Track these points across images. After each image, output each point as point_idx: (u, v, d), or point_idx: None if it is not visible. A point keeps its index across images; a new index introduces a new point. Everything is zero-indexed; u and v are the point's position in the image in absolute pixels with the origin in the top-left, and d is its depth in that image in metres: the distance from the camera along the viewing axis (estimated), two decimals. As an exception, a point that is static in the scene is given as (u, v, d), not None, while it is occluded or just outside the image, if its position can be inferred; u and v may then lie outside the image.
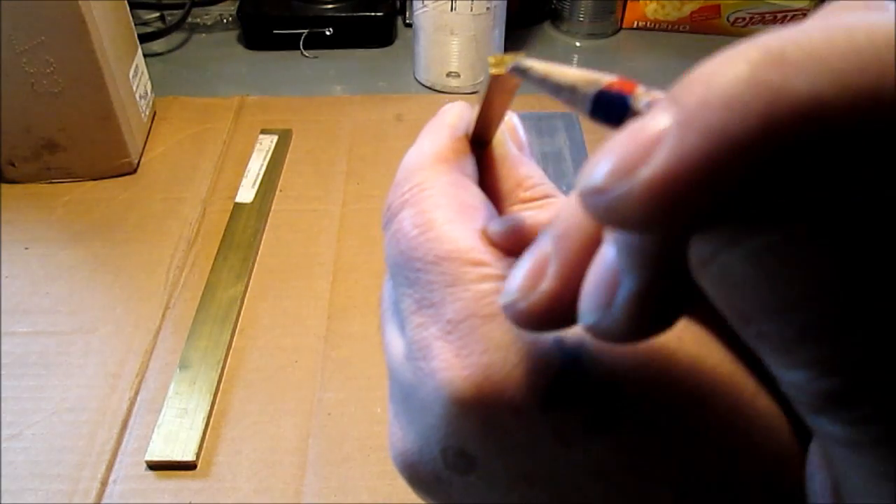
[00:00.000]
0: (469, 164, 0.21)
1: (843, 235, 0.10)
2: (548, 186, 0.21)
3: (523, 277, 0.15)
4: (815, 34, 0.10)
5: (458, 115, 0.22)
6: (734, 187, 0.10)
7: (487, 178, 0.22)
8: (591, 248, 0.14)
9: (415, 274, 0.18)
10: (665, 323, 0.14)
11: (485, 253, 0.18)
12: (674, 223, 0.11)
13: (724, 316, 0.12)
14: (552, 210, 0.20)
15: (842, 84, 0.09)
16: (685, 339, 0.17)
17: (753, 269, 0.11)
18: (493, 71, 0.17)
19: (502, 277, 0.17)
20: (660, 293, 0.13)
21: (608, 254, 0.13)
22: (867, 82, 0.09)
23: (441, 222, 0.19)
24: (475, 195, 0.20)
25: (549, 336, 0.17)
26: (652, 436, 0.16)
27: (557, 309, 0.15)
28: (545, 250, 0.15)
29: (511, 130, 0.23)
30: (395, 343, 0.20)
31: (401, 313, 0.19)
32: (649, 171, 0.11)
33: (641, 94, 0.13)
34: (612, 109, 0.14)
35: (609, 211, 0.11)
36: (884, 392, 0.11)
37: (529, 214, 0.19)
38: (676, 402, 0.16)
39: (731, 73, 0.10)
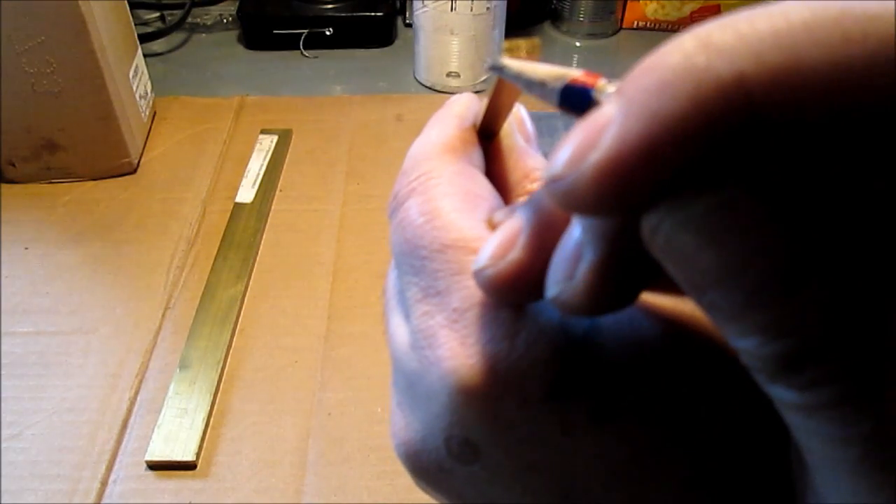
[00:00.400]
0: (476, 155, 0.21)
1: (776, 200, 0.11)
2: None
3: (494, 247, 0.16)
4: (740, 18, 0.11)
5: (465, 106, 0.22)
6: (673, 164, 0.11)
7: (494, 169, 0.22)
8: (560, 224, 0.15)
9: (420, 262, 0.18)
10: (624, 298, 0.15)
11: None
12: (622, 202, 0.12)
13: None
14: None
15: (761, 62, 0.10)
16: (694, 326, 0.17)
17: (695, 237, 0.12)
18: (506, 56, 0.17)
19: None
20: (617, 267, 0.14)
21: (574, 231, 0.15)
22: (784, 59, 0.10)
23: (448, 211, 0.19)
24: (482, 185, 0.20)
25: (556, 324, 0.17)
26: (657, 426, 0.16)
27: (523, 279, 0.16)
28: (518, 224, 0.16)
29: (519, 122, 0.23)
30: (400, 332, 0.20)
31: (406, 301, 0.19)
32: (596, 155, 0.12)
33: (603, 86, 0.15)
34: (578, 101, 0.15)
35: (566, 196, 0.12)
36: (832, 353, 0.11)
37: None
38: (683, 392, 0.16)
39: (667, 60, 0.11)
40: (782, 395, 0.12)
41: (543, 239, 0.16)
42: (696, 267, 0.12)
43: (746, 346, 0.12)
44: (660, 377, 0.16)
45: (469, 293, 0.17)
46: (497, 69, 0.17)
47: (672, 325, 0.17)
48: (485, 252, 0.16)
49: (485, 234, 0.18)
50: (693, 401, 0.16)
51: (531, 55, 0.17)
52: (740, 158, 0.11)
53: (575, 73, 0.15)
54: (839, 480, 0.12)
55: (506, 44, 0.17)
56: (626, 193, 0.12)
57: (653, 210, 0.12)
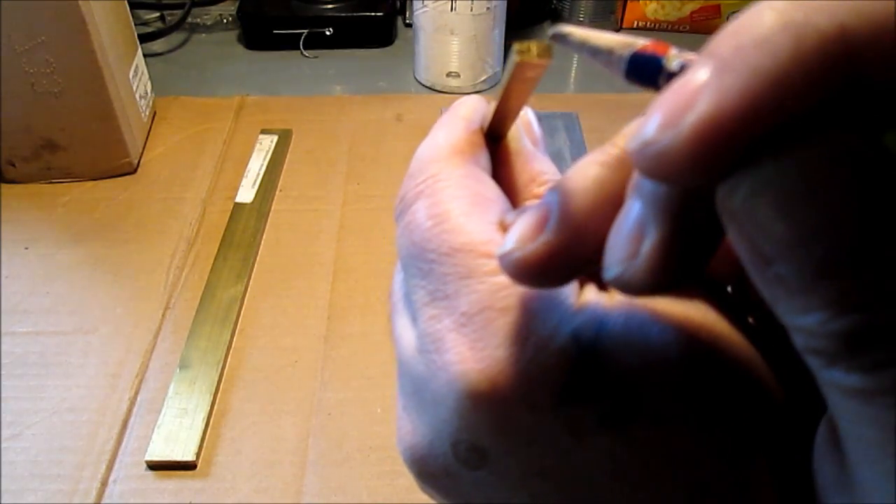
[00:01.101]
0: (484, 158, 0.21)
1: (865, 164, 0.11)
2: None
3: (522, 229, 0.16)
4: None
5: (473, 109, 0.22)
6: (773, 121, 0.11)
7: (502, 173, 0.22)
8: (591, 209, 0.15)
9: (428, 265, 0.18)
10: (689, 274, 0.14)
11: (499, 244, 0.18)
12: (719, 163, 0.12)
13: (743, 266, 0.12)
14: None
15: (861, 14, 0.10)
16: (704, 331, 0.17)
17: (775, 201, 0.11)
18: (519, 59, 0.17)
19: None
20: (683, 243, 0.14)
21: (633, 209, 0.14)
22: (884, 11, 0.10)
23: (456, 214, 0.18)
24: (490, 188, 0.20)
25: (566, 329, 0.17)
26: (666, 432, 0.16)
27: (554, 261, 0.15)
28: (546, 209, 0.16)
29: (526, 125, 0.23)
30: (407, 335, 0.20)
31: (413, 305, 0.19)
32: (694, 116, 0.11)
33: (674, 56, 0.14)
34: (646, 70, 0.15)
35: (660, 160, 0.12)
36: None
37: None
38: (693, 397, 0.16)
39: (760, 20, 0.11)
40: (842, 378, 0.11)
41: (575, 222, 0.15)
42: (770, 233, 0.11)
43: (810, 323, 0.11)
44: (670, 383, 0.16)
45: (478, 297, 0.17)
46: (561, 37, 0.17)
47: (682, 332, 0.17)
48: (512, 235, 0.16)
49: (494, 238, 0.18)
50: (703, 407, 0.16)
51: (543, 58, 0.17)
52: (838, 115, 0.11)
53: (643, 42, 0.15)
54: (890, 475, 0.11)
55: (516, 45, 0.17)
56: (724, 154, 0.11)
57: (735, 172, 0.12)
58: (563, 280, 0.16)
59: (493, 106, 0.21)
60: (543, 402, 0.16)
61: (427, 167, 0.20)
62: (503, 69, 0.80)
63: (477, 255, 0.18)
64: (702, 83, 0.11)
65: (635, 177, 0.15)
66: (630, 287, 0.14)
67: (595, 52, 0.16)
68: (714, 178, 0.12)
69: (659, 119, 0.12)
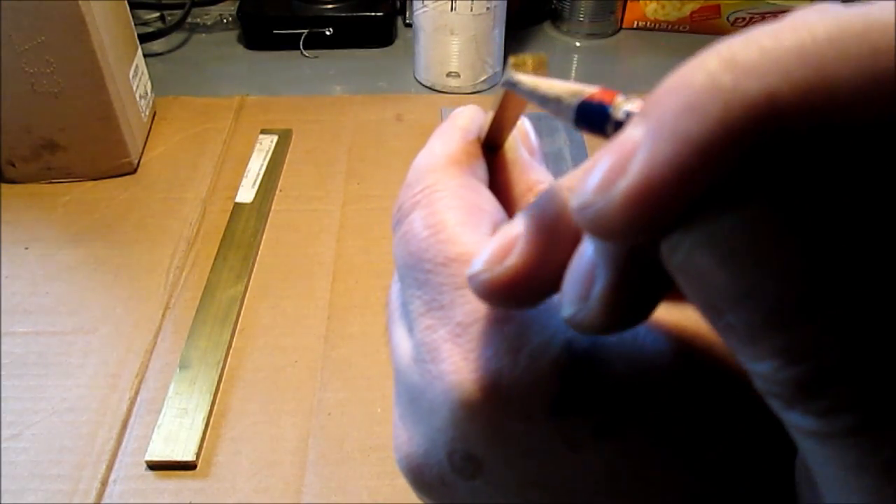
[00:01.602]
0: (480, 168, 0.21)
1: (799, 219, 0.11)
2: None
3: (490, 252, 0.16)
4: (764, 35, 0.11)
5: (469, 119, 0.22)
6: (702, 186, 0.11)
7: (498, 183, 0.22)
8: (560, 231, 0.16)
9: (424, 275, 0.18)
10: (639, 316, 0.15)
11: None
12: (651, 226, 0.12)
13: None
14: None
15: (790, 80, 0.10)
16: (698, 340, 0.17)
17: (715, 256, 0.12)
18: (514, 72, 0.17)
19: None
20: (632, 287, 0.14)
21: (587, 250, 0.14)
22: (813, 76, 0.10)
23: (452, 224, 0.18)
24: (487, 198, 0.20)
25: (560, 339, 0.17)
26: (662, 442, 0.16)
27: (519, 284, 0.16)
28: (516, 230, 0.16)
29: (523, 135, 0.23)
30: (403, 345, 0.20)
31: (409, 315, 0.19)
32: (626, 181, 0.12)
33: (621, 103, 0.14)
34: (594, 119, 0.15)
35: (595, 223, 0.12)
36: (851, 379, 0.11)
37: None
38: (688, 407, 0.16)
39: (692, 81, 0.11)
40: (798, 421, 0.12)
41: (542, 245, 0.16)
42: (715, 287, 0.12)
43: (763, 370, 0.12)
44: (664, 392, 0.16)
45: (473, 307, 0.17)
46: (511, 85, 0.17)
47: (676, 340, 0.17)
48: (481, 257, 0.16)
49: None
50: (698, 416, 0.16)
51: (538, 70, 0.17)
52: (768, 177, 0.11)
53: (591, 90, 0.15)
54: None
55: (512, 59, 0.17)
56: (656, 218, 0.12)
57: (674, 230, 0.12)
58: (529, 303, 0.16)
59: (489, 116, 0.21)
60: (538, 413, 0.16)
61: (424, 177, 0.20)
62: (503, 70, 0.80)
63: None
64: (634, 145, 0.12)
65: None
66: (583, 328, 0.15)
67: (544, 100, 0.16)
68: (654, 237, 0.12)
69: (596, 180, 0.12)
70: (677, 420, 0.16)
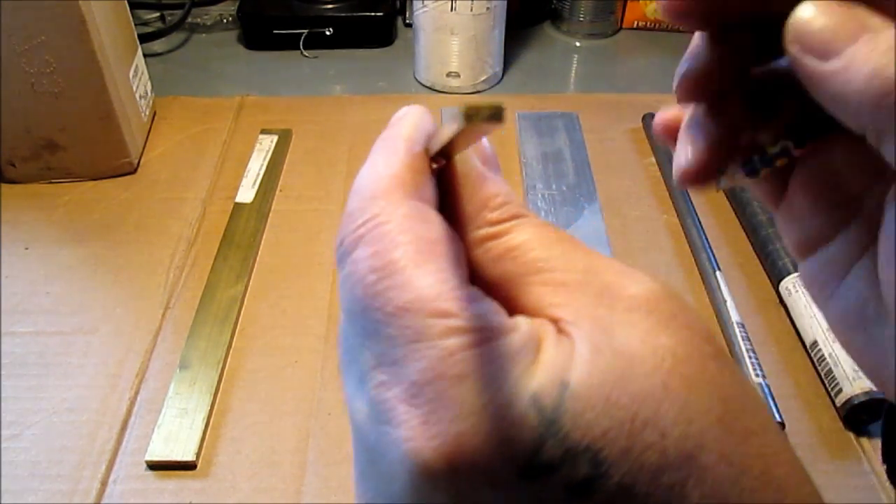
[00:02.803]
0: (428, 187, 0.20)
1: None
2: (515, 205, 0.19)
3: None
4: None
5: (414, 126, 0.21)
6: None
7: (450, 199, 0.20)
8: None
9: (374, 325, 0.17)
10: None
11: (450, 300, 0.16)
12: None
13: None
14: (521, 232, 0.19)
15: None
16: (672, 386, 0.16)
17: None
18: (466, 123, 0.15)
19: (470, 329, 0.16)
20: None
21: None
22: None
23: (402, 266, 0.17)
24: (436, 227, 0.18)
25: (525, 394, 0.16)
26: (634, 498, 0.15)
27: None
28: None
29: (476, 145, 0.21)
30: (357, 399, 0.18)
31: (359, 365, 0.18)
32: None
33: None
34: None
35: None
36: None
37: (498, 244, 0.19)
38: (660, 460, 0.16)
39: None
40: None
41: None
42: None
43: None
44: (636, 446, 0.15)
45: (428, 364, 0.16)
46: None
47: (649, 395, 0.16)
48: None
49: (443, 291, 0.17)
50: (671, 468, 0.16)
51: (490, 122, 0.15)
52: None
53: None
54: None
55: (465, 107, 0.15)
56: None
57: None
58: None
59: (444, 133, 0.19)
60: (506, 478, 0.15)
61: (367, 206, 0.18)
62: (502, 71, 0.80)
63: (426, 315, 0.16)
64: None
65: None
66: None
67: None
68: None
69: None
70: (651, 474, 0.15)
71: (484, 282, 0.19)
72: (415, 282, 0.17)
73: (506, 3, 0.74)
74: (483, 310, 0.17)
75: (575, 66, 0.84)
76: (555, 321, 0.17)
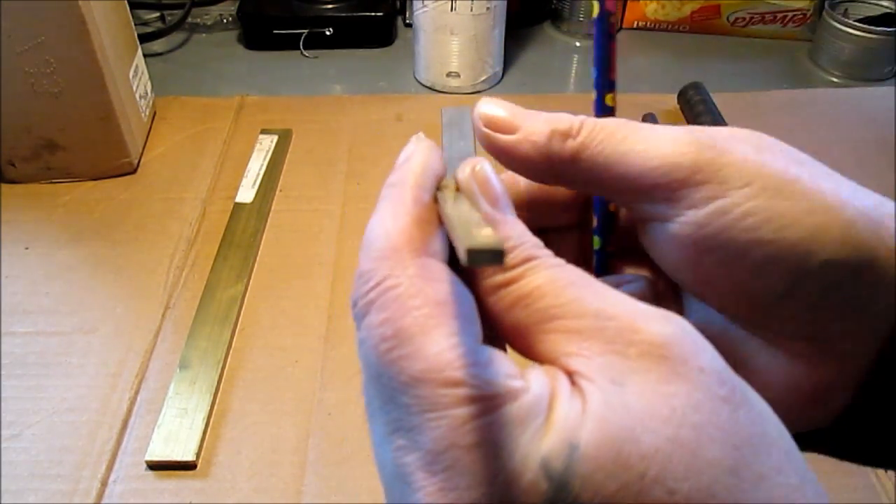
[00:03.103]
0: (438, 238, 0.20)
1: None
2: (526, 247, 0.19)
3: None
4: None
5: (422, 170, 0.21)
6: None
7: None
8: None
9: (389, 392, 0.18)
10: None
11: (460, 368, 0.17)
12: None
13: None
14: (532, 277, 0.19)
15: None
16: (681, 439, 0.16)
17: None
18: (468, 263, 0.16)
19: (479, 398, 0.17)
20: None
21: None
22: None
23: (412, 334, 0.17)
24: (445, 285, 0.19)
25: (535, 459, 0.16)
26: None
27: None
28: None
29: (482, 183, 0.20)
30: (382, 453, 0.19)
31: (381, 424, 0.18)
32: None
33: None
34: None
35: None
36: None
37: (509, 291, 0.19)
38: None
39: None
40: None
41: None
42: None
43: None
44: (650, 494, 0.16)
45: (442, 433, 0.16)
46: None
47: (658, 450, 0.16)
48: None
49: (454, 358, 0.17)
50: None
51: (491, 264, 0.16)
52: None
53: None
54: None
55: (466, 247, 0.16)
56: None
57: None
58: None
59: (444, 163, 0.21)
60: None
61: (377, 268, 0.19)
62: (502, 71, 0.80)
63: (437, 385, 0.17)
64: None
65: None
66: None
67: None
68: None
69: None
70: None
71: (500, 328, 0.19)
72: (425, 350, 0.17)
73: (506, 3, 0.74)
74: (493, 374, 0.17)
75: (575, 66, 0.84)
76: (568, 373, 0.18)
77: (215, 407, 0.48)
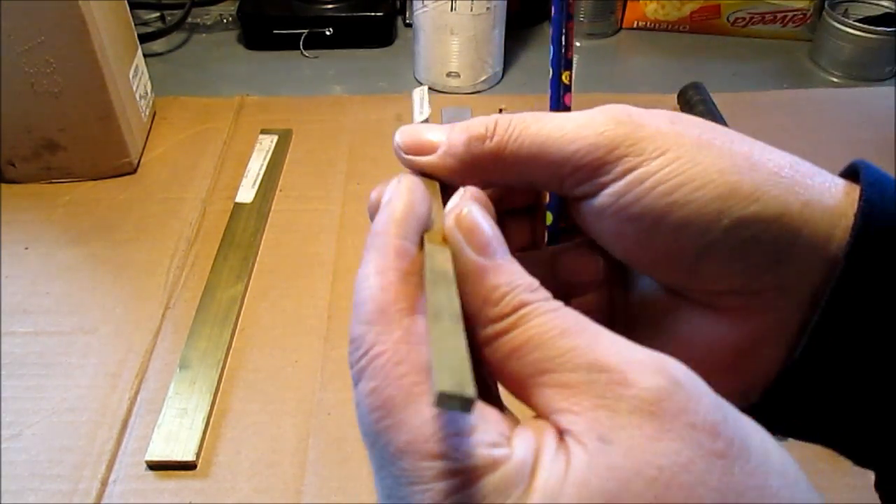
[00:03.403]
0: (423, 296, 0.20)
1: None
2: (520, 290, 0.19)
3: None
4: None
5: (404, 215, 0.21)
6: None
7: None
8: None
9: (380, 461, 0.18)
10: None
11: (442, 441, 0.17)
12: None
13: None
14: (525, 328, 0.19)
15: None
16: (668, 500, 0.16)
17: None
18: (436, 404, 0.16)
19: (461, 471, 0.17)
20: None
21: None
22: None
23: (396, 403, 0.18)
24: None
25: None
26: None
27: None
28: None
29: (469, 232, 0.20)
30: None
31: (379, 484, 0.19)
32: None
33: None
34: None
35: None
36: None
37: (502, 343, 0.19)
38: None
39: None
40: None
41: None
42: None
43: None
44: None
45: None
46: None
47: (649, 475, 0.16)
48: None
49: (436, 430, 0.17)
50: None
51: (460, 411, 0.16)
52: None
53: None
54: None
55: (437, 391, 0.16)
56: None
57: None
58: None
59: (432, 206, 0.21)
60: None
61: (364, 335, 0.19)
62: (502, 71, 0.80)
63: (419, 458, 0.17)
64: None
65: None
66: None
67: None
68: None
69: None
70: None
71: (500, 378, 0.20)
72: (409, 422, 0.18)
73: (506, 3, 0.74)
74: (474, 444, 0.17)
75: (575, 66, 0.84)
76: (557, 430, 0.18)
77: (215, 407, 0.48)
